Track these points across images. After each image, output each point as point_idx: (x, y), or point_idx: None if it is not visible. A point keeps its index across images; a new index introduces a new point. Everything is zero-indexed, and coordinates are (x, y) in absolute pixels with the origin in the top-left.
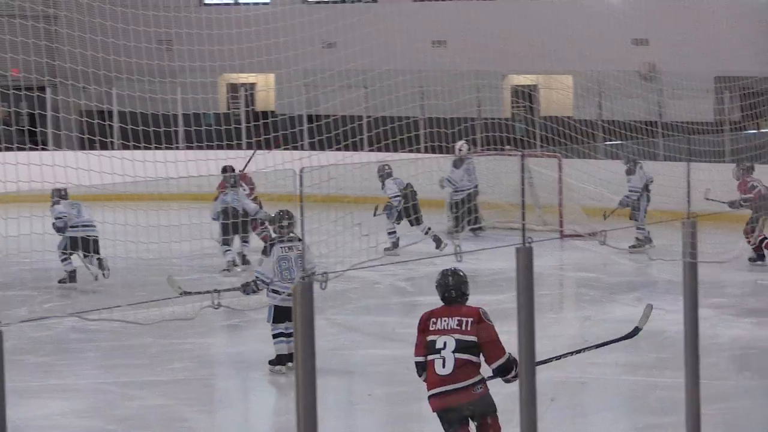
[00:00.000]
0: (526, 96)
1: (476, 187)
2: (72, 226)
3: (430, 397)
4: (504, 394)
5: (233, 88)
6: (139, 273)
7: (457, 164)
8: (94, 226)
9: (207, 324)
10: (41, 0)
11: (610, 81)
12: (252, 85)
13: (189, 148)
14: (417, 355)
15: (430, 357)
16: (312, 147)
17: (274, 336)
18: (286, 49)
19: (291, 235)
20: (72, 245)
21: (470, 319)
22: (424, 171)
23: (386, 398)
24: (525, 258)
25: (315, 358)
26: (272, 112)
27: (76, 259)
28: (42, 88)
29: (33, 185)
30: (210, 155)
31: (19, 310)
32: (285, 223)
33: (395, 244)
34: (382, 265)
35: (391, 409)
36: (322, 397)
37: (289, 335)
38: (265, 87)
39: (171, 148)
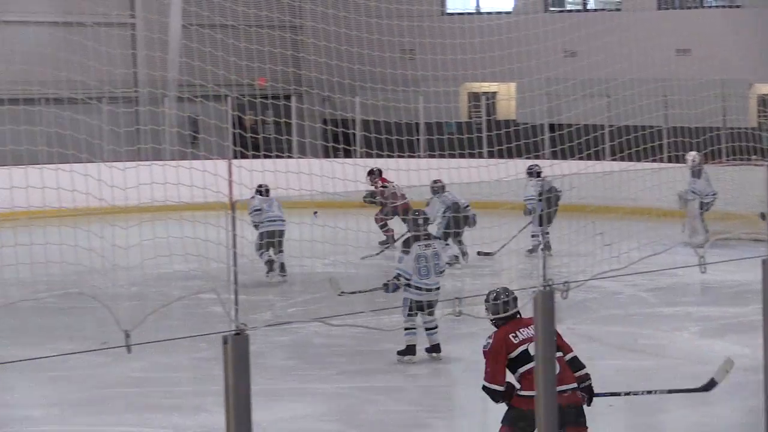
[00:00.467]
0: None
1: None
2: (263, 221)
3: (529, 397)
4: (745, 410)
5: (474, 96)
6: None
7: (697, 174)
8: (283, 221)
9: (447, 332)
10: (288, 10)
11: None
12: (493, 94)
13: (431, 156)
14: (495, 382)
15: (525, 367)
16: (553, 156)
17: (407, 328)
18: (527, 58)
19: (426, 233)
20: (266, 241)
21: None
22: (667, 181)
23: (628, 409)
24: None
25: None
26: (513, 121)
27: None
28: (288, 97)
29: (278, 192)
30: (452, 164)
31: (264, 315)
32: (420, 221)
33: (535, 248)
34: (624, 275)
35: (632, 420)
36: None
37: (429, 329)
38: (507, 96)
39: (413, 157)
